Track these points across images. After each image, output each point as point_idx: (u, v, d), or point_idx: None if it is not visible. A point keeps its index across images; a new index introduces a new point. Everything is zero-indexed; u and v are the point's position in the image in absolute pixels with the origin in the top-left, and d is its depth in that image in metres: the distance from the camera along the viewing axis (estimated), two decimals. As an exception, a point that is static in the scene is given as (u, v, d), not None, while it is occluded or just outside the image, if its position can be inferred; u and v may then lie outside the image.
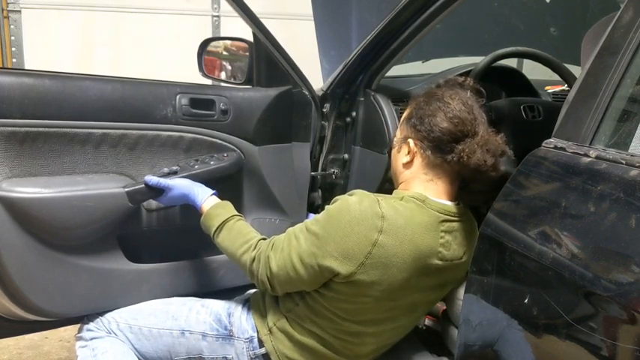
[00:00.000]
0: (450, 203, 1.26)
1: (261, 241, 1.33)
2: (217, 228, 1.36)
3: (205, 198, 1.42)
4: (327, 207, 1.25)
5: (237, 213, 1.40)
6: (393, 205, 1.21)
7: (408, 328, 1.41)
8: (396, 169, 1.33)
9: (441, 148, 1.23)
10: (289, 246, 1.25)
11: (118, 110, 1.44)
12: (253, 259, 1.30)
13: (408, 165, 1.28)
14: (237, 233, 1.35)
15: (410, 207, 1.21)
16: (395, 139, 1.35)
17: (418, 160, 1.27)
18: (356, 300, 1.24)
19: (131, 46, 3.81)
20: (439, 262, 1.24)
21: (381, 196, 1.22)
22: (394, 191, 1.30)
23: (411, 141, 1.27)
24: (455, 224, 1.26)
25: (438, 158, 1.24)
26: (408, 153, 1.28)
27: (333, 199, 1.27)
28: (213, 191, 1.44)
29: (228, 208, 1.41)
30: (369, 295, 1.22)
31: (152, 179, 1.43)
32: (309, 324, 1.30)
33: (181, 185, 1.44)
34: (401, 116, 1.40)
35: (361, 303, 1.24)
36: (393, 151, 1.35)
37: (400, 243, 1.18)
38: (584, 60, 1.08)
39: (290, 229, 1.30)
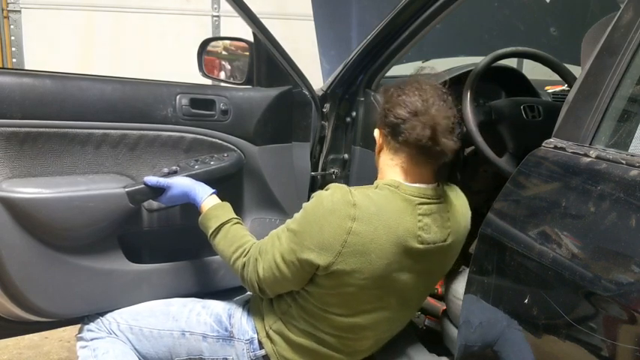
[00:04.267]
0: (426, 186, 1.27)
1: (254, 245, 1.34)
2: (214, 230, 1.37)
3: (205, 197, 1.42)
4: (304, 204, 1.28)
5: (234, 216, 1.40)
6: (366, 193, 1.23)
7: (404, 322, 1.41)
8: (376, 160, 1.35)
9: (397, 131, 1.25)
10: (272, 247, 1.27)
11: (119, 110, 1.44)
12: (244, 265, 1.32)
13: (379, 154, 1.33)
14: (232, 237, 1.36)
15: (383, 194, 1.23)
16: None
17: (385, 148, 1.31)
18: (340, 291, 1.24)
19: (131, 46, 3.81)
20: (420, 246, 1.23)
21: (355, 187, 1.25)
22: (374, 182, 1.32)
23: (376, 130, 1.33)
24: (433, 206, 1.26)
25: (396, 142, 1.26)
26: (379, 143, 1.32)
27: (312, 195, 1.28)
28: (214, 190, 1.44)
29: (226, 210, 1.41)
30: (352, 285, 1.22)
31: (151, 179, 1.43)
32: (304, 324, 1.31)
33: (181, 184, 1.44)
34: None
35: (346, 294, 1.25)
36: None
37: (375, 229, 1.19)
38: (584, 60, 1.08)
39: (273, 230, 1.32)
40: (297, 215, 1.27)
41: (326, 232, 1.19)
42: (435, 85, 1.28)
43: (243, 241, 1.35)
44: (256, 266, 1.29)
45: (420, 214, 1.23)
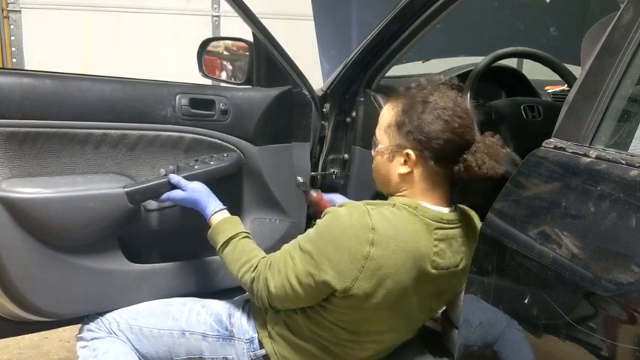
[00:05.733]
0: (444, 210, 1.24)
1: (262, 260, 1.31)
2: (222, 244, 1.36)
3: (216, 211, 1.40)
4: (318, 222, 1.24)
5: (243, 229, 1.39)
6: (384, 214, 1.18)
7: (408, 335, 1.40)
8: (389, 177, 1.25)
9: (446, 158, 1.19)
10: (285, 266, 1.23)
11: (118, 110, 1.44)
12: (253, 280, 1.30)
13: (406, 175, 1.22)
14: (241, 252, 1.34)
15: (402, 215, 1.19)
16: (381, 145, 1.26)
17: (418, 170, 1.22)
18: (354, 312, 1.23)
19: (131, 46, 3.81)
20: (433, 271, 1.22)
21: (371, 205, 1.20)
22: (389, 197, 1.27)
23: (411, 152, 1.20)
24: (449, 232, 1.23)
25: (441, 167, 1.20)
26: (405, 163, 1.22)
27: (324, 211, 1.25)
28: (224, 207, 1.42)
29: (234, 224, 1.39)
30: (366, 308, 1.22)
31: (174, 177, 1.43)
32: (308, 331, 1.30)
33: (198, 190, 1.42)
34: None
35: (360, 315, 1.24)
36: (382, 158, 1.27)
37: (392, 254, 1.16)
38: (584, 60, 1.08)
39: (285, 246, 1.29)
40: (310, 233, 1.23)
41: (343, 256, 1.16)
42: (457, 98, 1.22)
43: (251, 255, 1.33)
44: (267, 284, 1.26)
45: (435, 239, 1.21)
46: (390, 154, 1.24)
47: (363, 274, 1.16)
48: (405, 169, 1.22)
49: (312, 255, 1.19)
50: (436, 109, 1.18)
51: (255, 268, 1.30)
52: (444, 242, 1.22)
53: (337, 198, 1.64)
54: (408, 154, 1.21)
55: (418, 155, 1.20)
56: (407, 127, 1.20)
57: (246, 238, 1.37)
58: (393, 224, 1.17)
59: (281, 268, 1.24)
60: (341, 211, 1.20)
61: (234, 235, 1.36)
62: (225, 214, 1.41)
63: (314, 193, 1.62)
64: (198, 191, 1.43)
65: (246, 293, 1.55)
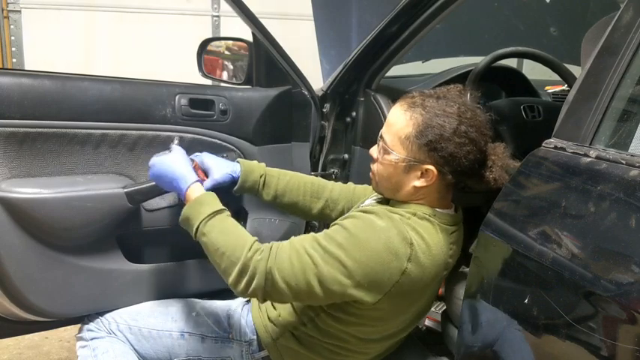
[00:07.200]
0: (450, 212, 1.25)
1: (257, 243, 1.18)
2: (206, 217, 1.20)
3: (191, 183, 1.26)
4: (344, 224, 1.16)
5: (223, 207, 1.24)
6: (414, 226, 1.16)
7: (405, 335, 1.41)
8: (401, 186, 1.21)
9: (466, 174, 1.19)
10: (301, 263, 1.13)
11: (118, 111, 1.44)
12: (247, 266, 1.14)
13: (421, 187, 1.19)
14: (232, 231, 1.20)
15: (427, 225, 1.19)
16: (397, 156, 1.18)
17: (435, 183, 1.19)
18: (374, 323, 1.24)
19: (131, 46, 3.81)
20: (446, 272, 1.25)
21: (398, 215, 1.17)
22: (400, 203, 1.23)
23: (432, 168, 1.16)
24: (458, 232, 1.26)
25: (458, 179, 1.20)
26: (422, 176, 1.18)
27: (349, 214, 1.22)
28: (197, 179, 1.29)
29: (214, 197, 1.25)
30: (386, 319, 1.23)
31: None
32: (317, 341, 1.30)
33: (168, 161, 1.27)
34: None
35: (378, 325, 1.25)
36: (395, 167, 1.20)
37: (424, 269, 1.16)
38: (584, 60, 1.08)
39: (296, 241, 1.18)
40: (337, 236, 1.14)
41: (383, 270, 1.13)
42: (477, 109, 1.21)
43: (243, 233, 1.20)
44: (271, 275, 1.13)
45: (451, 243, 1.22)
46: (406, 165, 1.18)
47: (396, 288, 1.15)
48: (421, 183, 1.18)
49: (346, 264, 1.12)
50: (461, 124, 1.14)
51: (250, 249, 1.15)
52: (455, 244, 1.25)
53: (212, 162, 1.40)
54: (427, 170, 1.17)
55: (438, 169, 1.17)
56: (431, 145, 1.15)
57: (231, 218, 1.23)
58: (423, 237, 1.17)
59: (294, 263, 1.13)
60: (376, 221, 1.15)
61: (219, 211, 1.21)
62: (201, 188, 1.27)
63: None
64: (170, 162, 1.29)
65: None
